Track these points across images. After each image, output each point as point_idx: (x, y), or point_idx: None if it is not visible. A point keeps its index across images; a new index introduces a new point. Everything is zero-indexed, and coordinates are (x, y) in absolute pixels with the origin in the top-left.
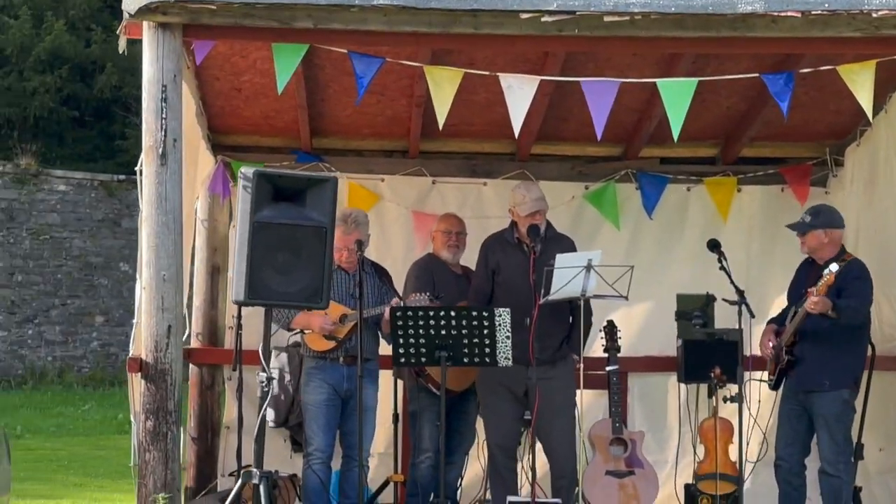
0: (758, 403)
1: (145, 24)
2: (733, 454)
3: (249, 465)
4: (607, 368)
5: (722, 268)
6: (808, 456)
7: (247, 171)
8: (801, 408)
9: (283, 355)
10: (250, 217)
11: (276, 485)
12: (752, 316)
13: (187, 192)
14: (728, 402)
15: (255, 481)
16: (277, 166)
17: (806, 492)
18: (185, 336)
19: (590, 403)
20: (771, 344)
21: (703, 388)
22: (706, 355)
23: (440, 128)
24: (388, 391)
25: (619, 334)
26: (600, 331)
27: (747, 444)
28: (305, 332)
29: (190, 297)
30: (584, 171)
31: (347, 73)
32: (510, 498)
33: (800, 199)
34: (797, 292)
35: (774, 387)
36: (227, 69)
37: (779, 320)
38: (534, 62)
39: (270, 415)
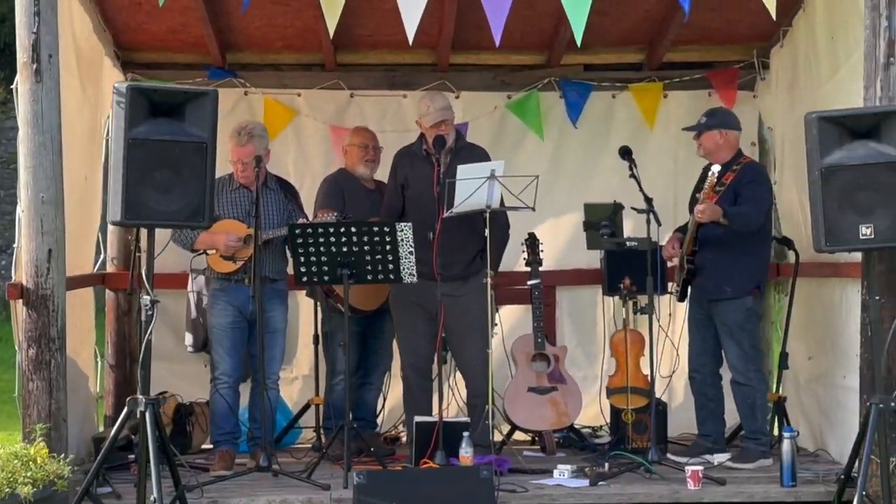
0: (668, 317)
1: None
2: (646, 367)
3: (165, 392)
4: (529, 283)
5: (632, 175)
6: (723, 366)
7: (120, 85)
8: (707, 317)
9: (201, 277)
10: (124, 134)
11: (193, 411)
12: (659, 224)
13: (85, 110)
14: (638, 314)
15: (141, 409)
16: (189, 83)
17: (723, 402)
18: (100, 260)
19: (518, 319)
20: (674, 252)
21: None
22: (629, 266)
23: (330, 36)
24: (309, 312)
25: (540, 247)
26: (522, 244)
27: (660, 356)
28: (209, 252)
29: (104, 221)
30: (506, 80)
31: None
32: (416, 418)
33: (727, 104)
34: (695, 199)
35: (681, 298)
36: None
37: (683, 229)
38: None
39: (189, 339)
